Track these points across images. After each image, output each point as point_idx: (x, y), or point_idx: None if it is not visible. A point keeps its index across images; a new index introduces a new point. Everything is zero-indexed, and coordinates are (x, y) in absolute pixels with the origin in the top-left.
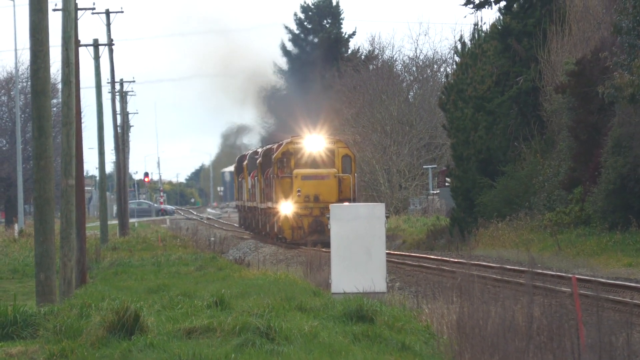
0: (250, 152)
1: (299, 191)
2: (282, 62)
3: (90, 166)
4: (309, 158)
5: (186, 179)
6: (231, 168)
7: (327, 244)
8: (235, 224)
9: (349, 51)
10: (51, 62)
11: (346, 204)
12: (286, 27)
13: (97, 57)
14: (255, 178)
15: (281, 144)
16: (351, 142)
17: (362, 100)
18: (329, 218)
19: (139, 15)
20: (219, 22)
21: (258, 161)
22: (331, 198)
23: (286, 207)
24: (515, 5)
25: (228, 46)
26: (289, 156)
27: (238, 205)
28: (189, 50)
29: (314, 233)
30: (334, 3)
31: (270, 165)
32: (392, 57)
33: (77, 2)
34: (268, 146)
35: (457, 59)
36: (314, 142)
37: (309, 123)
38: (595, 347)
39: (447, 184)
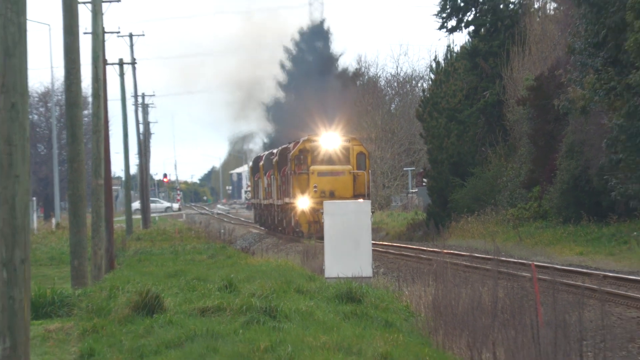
0: (266, 153)
1: (315, 187)
2: (282, 78)
3: (117, 168)
4: (325, 155)
5: (199, 179)
6: (238, 170)
7: None
8: (241, 218)
9: (339, 69)
10: (82, 78)
11: (349, 200)
12: (285, 47)
13: (122, 74)
14: (272, 176)
15: (298, 142)
16: (366, 139)
17: (350, 111)
18: (322, 213)
19: (159, 36)
20: (227, 44)
21: (274, 160)
22: (346, 193)
23: (303, 202)
24: (482, 29)
25: (234, 64)
26: (306, 153)
27: (254, 204)
28: (201, 68)
29: None
30: (325, 28)
31: (286, 163)
32: (376, 74)
33: (104, 26)
34: (284, 146)
35: (432, 75)
36: (330, 139)
37: (306, 130)
38: (551, 324)
39: (424, 183)
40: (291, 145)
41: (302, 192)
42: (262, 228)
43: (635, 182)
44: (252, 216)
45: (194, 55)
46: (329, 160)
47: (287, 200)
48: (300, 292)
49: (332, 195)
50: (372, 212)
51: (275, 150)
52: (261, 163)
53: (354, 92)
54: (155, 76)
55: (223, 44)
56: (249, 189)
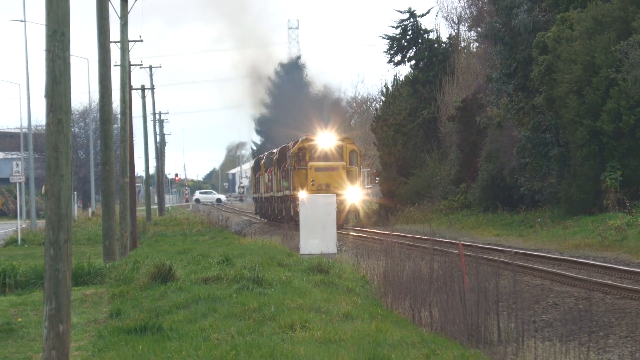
0: (267, 153)
1: (313, 181)
2: (268, 99)
3: (139, 169)
4: (321, 152)
5: (203, 178)
6: (233, 170)
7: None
8: (235, 208)
9: (310, 93)
10: (113, 100)
11: (313, 195)
12: (269, 78)
13: (143, 97)
14: (272, 172)
15: (297, 142)
16: (357, 139)
17: (318, 126)
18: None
19: (173, 67)
20: (224, 74)
21: (275, 158)
22: (340, 186)
23: (302, 195)
24: (421, 63)
25: (229, 89)
26: (304, 151)
27: (255, 198)
28: (203, 93)
29: None
30: (301, 62)
31: (286, 160)
32: (340, 97)
33: (130, 60)
34: (283, 145)
35: (383, 98)
36: (326, 139)
37: (284, 141)
38: (474, 289)
39: (376, 181)
40: (290, 144)
41: (301, 185)
42: (262, 219)
43: (538, 180)
44: (243, 206)
45: (199, 82)
46: (325, 157)
47: (287, 192)
48: (281, 265)
49: (328, 188)
50: (336, 204)
51: (275, 150)
52: (262, 162)
53: (322, 111)
54: (169, 97)
55: (221, 74)
56: (242, 185)
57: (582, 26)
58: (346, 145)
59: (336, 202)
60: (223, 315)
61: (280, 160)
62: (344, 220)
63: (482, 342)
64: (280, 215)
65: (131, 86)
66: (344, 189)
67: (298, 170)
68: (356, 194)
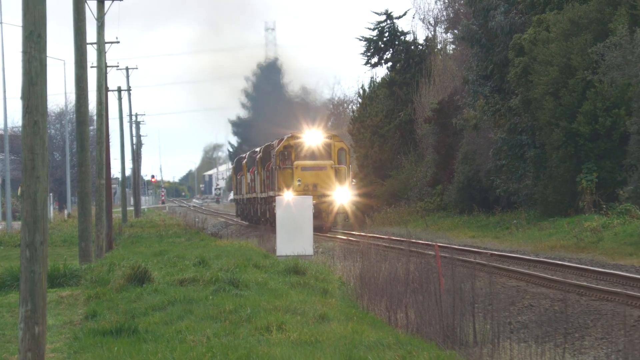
0: (249, 152)
1: (299, 181)
2: (245, 101)
3: (115, 171)
4: (308, 151)
5: (179, 179)
6: (209, 172)
7: (319, 229)
8: (211, 210)
9: (288, 95)
10: (89, 102)
11: (290, 196)
12: (246, 78)
13: (120, 99)
14: (255, 172)
15: (282, 139)
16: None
17: (295, 127)
18: (274, 205)
19: (149, 69)
20: (201, 75)
21: (258, 157)
22: (328, 186)
23: (287, 196)
24: (398, 65)
25: (203, 93)
26: (290, 149)
27: (236, 199)
28: (180, 94)
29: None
30: (278, 63)
31: (270, 159)
32: (316, 99)
33: (106, 62)
34: (267, 143)
35: (359, 100)
36: (313, 136)
37: (262, 143)
38: (450, 291)
39: (353, 182)
40: (275, 143)
41: (287, 186)
42: (244, 222)
43: (514, 182)
44: (220, 208)
45: (175, 84)
46: (312, 156)
47: (271, 193)
48: (257, 267)
49: (315, 188)
50: (313, 205)
51: (258, 149)
52: (244, 162)
53: (298, 113)
54: (146, 99)
55: (198, 75)
56: (218, 187)
57: (558, 28)
58: (334, 143)
59: (324, 204)
60: (199, 317)
61: (264, 159)
62: (332, 222)
63: (458, 343)
64: (263, 217)
65: (107, 88)
66: (332, 190)
67: (283, 169)
68: (345, 195)
